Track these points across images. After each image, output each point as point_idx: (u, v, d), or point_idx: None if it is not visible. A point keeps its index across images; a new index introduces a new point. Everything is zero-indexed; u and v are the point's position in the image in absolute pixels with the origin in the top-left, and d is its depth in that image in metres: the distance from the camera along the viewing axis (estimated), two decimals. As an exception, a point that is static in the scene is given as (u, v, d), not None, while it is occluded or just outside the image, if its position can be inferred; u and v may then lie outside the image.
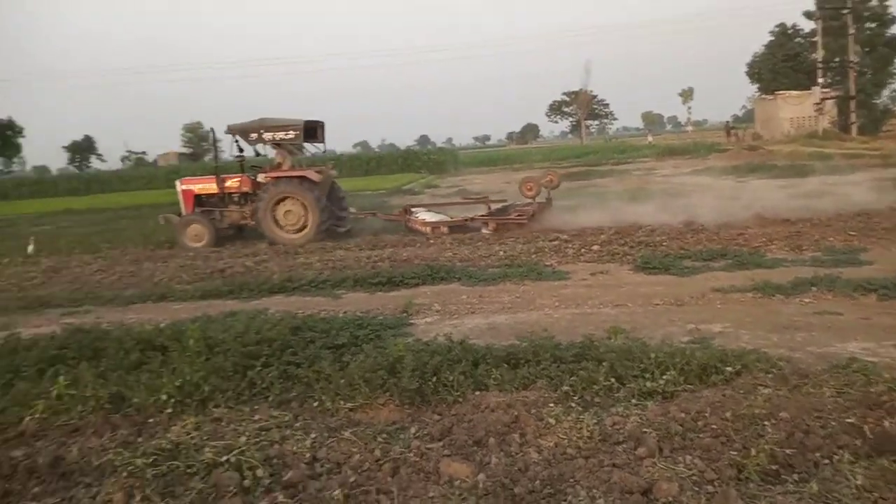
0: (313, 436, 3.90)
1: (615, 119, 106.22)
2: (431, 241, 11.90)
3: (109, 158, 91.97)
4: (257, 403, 4.55)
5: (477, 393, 4.42)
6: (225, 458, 3.60)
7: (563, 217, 13.30)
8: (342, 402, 4.41)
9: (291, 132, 13.77)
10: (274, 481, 3.45)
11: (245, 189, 13.99)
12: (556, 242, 10.61)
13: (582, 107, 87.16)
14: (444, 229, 13.04)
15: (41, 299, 9.18)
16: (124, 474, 3.49)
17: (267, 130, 13.86)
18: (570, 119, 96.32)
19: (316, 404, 4.46)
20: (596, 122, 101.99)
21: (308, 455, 3.69)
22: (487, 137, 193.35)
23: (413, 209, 14.49)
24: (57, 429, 4.48)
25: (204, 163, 70.18)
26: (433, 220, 13.65)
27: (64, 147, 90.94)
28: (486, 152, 77.84)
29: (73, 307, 8.70)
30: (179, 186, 14.60)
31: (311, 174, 13.51)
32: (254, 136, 14.01)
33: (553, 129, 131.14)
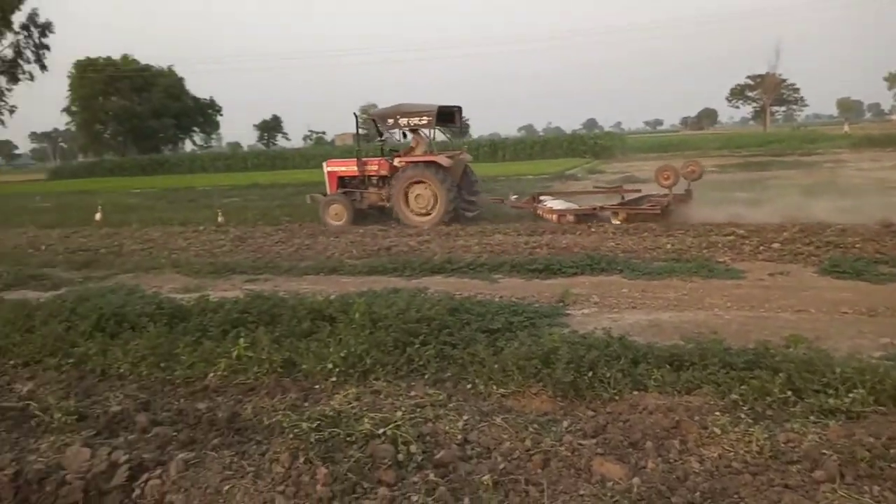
0: (465, 418, 3.95)
1: (805, 105, 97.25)
2: (593, 230, 11.58)
3: (293, 137, 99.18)
4: (414, 380, 4.69)
5: (635, 393, 4.24)
6: (382, 430, 3.74)
7: (729, 209, 12.40)
8: (495, 387, 4.42)
9: (425, 118, 13.97)
10: (426, 458, 3.54)
11: (383, 172, 14.45)
12: (730, 238, 9.92)
13: (768, 91, 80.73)
14: (570, 217, 12.72)
15: (228, 265, 10.08)
16: (290, 436, 3.73)
17: (402, 116, 14.18)
18: (754, 105, 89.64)
19: (469, 386, 4.52)
20: (783, 109, 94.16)
21: (460, 436, 3.75)
22: (659, 122, 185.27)
23: (542, 197, 14.22)
24: (235, 386, 4.92)
25: (375, 144, 73.83)
26: (560, 207, 13.30)
27: (255, 125, 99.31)
28: (657, 138, 74.60)
29: (255, 274, 9.47)
30: (325, 168, 15.39)
31: (441, 159, 13.66)
32: (390, 121, 14.42)
33: (733, 114, 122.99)
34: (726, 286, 7.42)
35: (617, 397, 4.23)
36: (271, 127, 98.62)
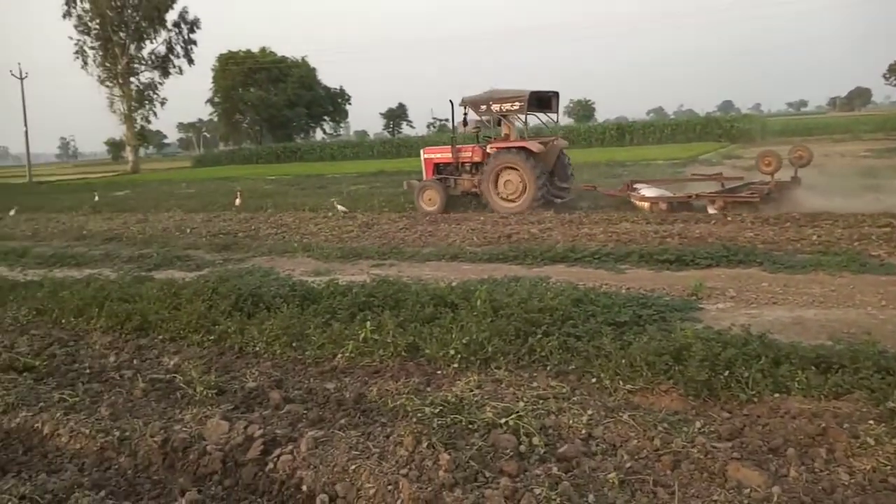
0: (590, 412, 3.83)
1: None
2: (713, 218, 10.87)
3: (417, 125, 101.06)
4: (535, 370, 4.62)
5: (776, 395, 3.94)
6: (504, 420, 3.71)
7: (857, 197, 11.53)
8: (621, 383, 4.27)
9: (517, 103, 13.75)
10: (548, 452, 3.47)
11: (476, 159, 14.44)
12: (886, 229, 9.03)
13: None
14: (663, 206, 12.26)
15: (355, 251, 10.41)
16: (414, 420, 3.79)
17: (495, 102, 14.01)
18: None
19: (594, 380, 4.38)
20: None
21: (584, 431, 3.64)
22: (804, 103, 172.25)
23: (637, 184, 13.65)
24: (361, 368, 5.06)
25: (497, 129, 73.92)
26: (652, 195, 12.77)
27: (381, 113, 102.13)
28: (802, 120, 69.38)
29: (380, 260, 9.72)
30: (423, 155, 15.67)
31: (532, 145, 13.44)
32: (483, 107, 14.28)
33: (891, 94, 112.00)
34: (881, 283, 6.75)
35: (755, 399, 3.95)
36: (397, 115, 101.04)
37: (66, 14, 55.18)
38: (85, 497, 3.27)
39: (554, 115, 15.39)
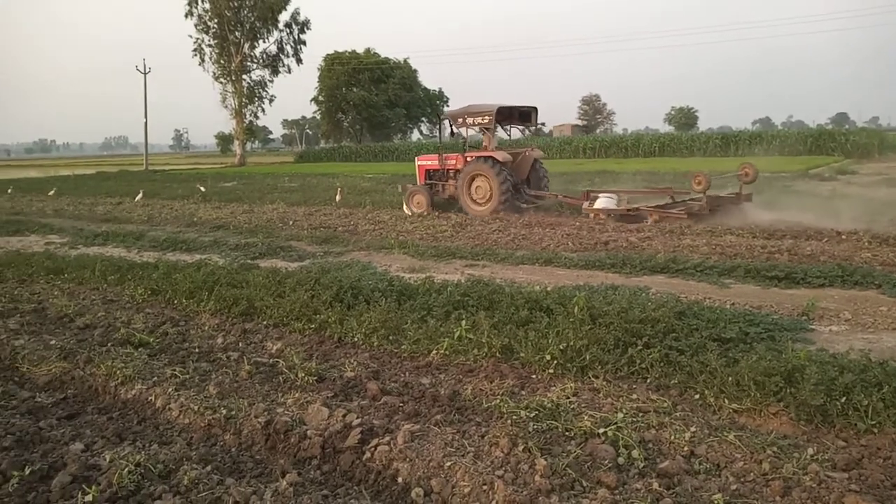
0: (693, 429, 3.68)
1: None
2: (843, 238, 10.29)
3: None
4: (635, 382, 4.50)
5: (901, 427, 3.66)
6: (602, 430, 3.63)
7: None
8: (726, 401, 4.08)
9: (486, 117, 15.11)
10: (648, 466, 3.36)
11: (458, 166, 15.62)
12: None
13: None
14: (603, 216, 13.18)
15: (449, 250, 10.49)
16: (509, 422, 3.76)
17: (469, 116, 15.46)
18: None
19: (697, 397, 4.22)
20: None
21: (686, 448, 3.51)
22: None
23: (593, 194, 14.60)
24: (455, 366, 5.07)
25: (595, 135, 72.90)
26: (600, 206, 13.64)
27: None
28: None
29: (473, 260, 9.74)
30: (417, 162, 17.15)
31: (498, 154, 14.74)
32: (459, 121, 15.69)
33: None
34: None
35: (876, 429, 3.68)
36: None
37: (188, 13, 58.51)
38: (193, 470, 3.44)
39: (532, 128, 17.13)
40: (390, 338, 5.63)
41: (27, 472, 3.49)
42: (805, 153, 40.96)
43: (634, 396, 4.18)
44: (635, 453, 3.44)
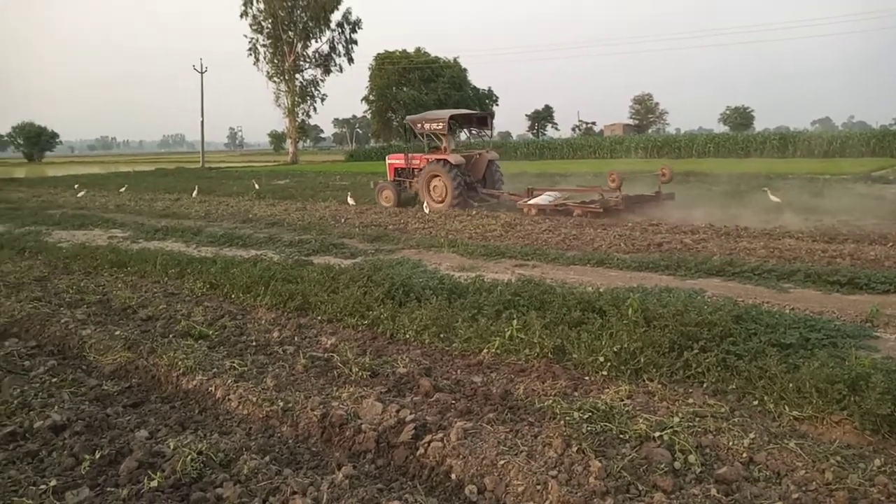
0: (752, 436, 3.61)
1: None
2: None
3: (562, 127, 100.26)
4: (691, 386, 4.43)
5: (975, 441, 3.52)
6: (658, 433, 3.59)
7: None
8: (787, 408, 3.98)
9: (440, 123, 16.69)
10: (705, 472, 3.31)
11: (422, 166, 16.90)
12: None
13: None
14: (534, 211, 14.61)
15: (499, 249, 10.48)
16: (562, 423, 3.75)
17: (426, 122, 17.16)
18: None
19: (755, 403, 4.13)
20: None
21: (745, 455, 3.44)
22: None
23: (535, 191, 16.16)
24: (507, 365, 5.07)
25: (646, 135, 71.69)
26: (532, 202, 15.01)
27: (526, 115, 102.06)
28: None
29: (523, 260, 9.70)
30: (387, 160, 18.73)
31: (451, 157, 16.20)
32: (419, 125, 17.31)
33: None
34: None
35: (947, 443, 3.55)
36: (543, 117, 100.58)
37: (244, 13, 59.85)
38: (252, 460, 3.53)
39: (487, 134, 19.52)
40: (441, 335, 5.67)
41: (97, 456, 3.65)
42: (868, 154, 39.49)
43: (690, 401, 4.12)
44: (692, 458, 3.39)
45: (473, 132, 19.16)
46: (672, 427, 3.65)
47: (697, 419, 3.82)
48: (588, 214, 13.88)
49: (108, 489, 3.34)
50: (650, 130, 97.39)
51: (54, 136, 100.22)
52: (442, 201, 16.23)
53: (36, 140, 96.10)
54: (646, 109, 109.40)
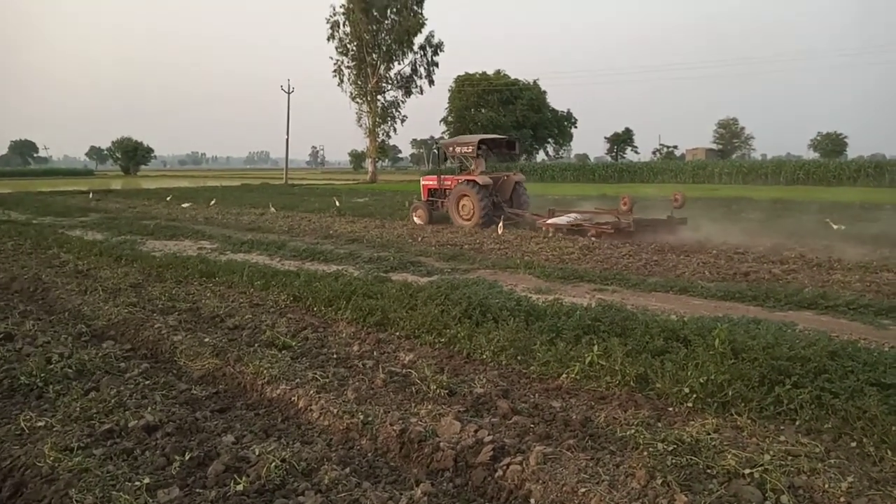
0: (850, 479, 3.40)
1: None
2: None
3: (642, 150, 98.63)
4: (782, 423, 4.23)
5: None
6: (747, 471, 3.44)
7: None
8: (889, 452, 3.74)
9: (470, 147, 17.98)
10: (799, 515, 3.15)
11: (453, 187, 18.06)
12: None
13: None
14: (552, 231, 15.41)
15: (576, 273, 10.35)
16: (645, 453, 3.65)
17: (457, 146, 18.48)
18: None
19: (854, 444, 3.90)
20: None
21: (842, 500, 3.25)
22: None
23: (557, 212, 17.08)
24: (586, 392, 4.99)
25: (731, 160, 69.45)
26: (550, 221, 15.99)
27: (605, 137, 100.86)
28: None
29: (602, 285, 9.54)
30: (421, 182, 20.09)
31: (479, 178, 17.38)
32: (450, 149, 18.74)
33: None
34: None
35: None
36: (622, 140, 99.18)
37: (330, 37, 61.82)
38: (333, 471, 3.60)
39: (515, 156, 21.99)
40: (518, 357, 5.63)
41: (187, 457, 3.80)
42: None
43: (782, 438, 3.93)
44: (784, 499, 3.23)
45: (504, 154, 20.29)
46: (762, 465, 3.49)
47: (790, 458, 3.64)
48: (602, 235, 14.60)
49: (197, 490, 3.47)
50: (734, 156, 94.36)
51: (149, 150, 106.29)
52: (469, 219, 17.32)
53: (132, 154, 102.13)
54: (730, 134, 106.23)
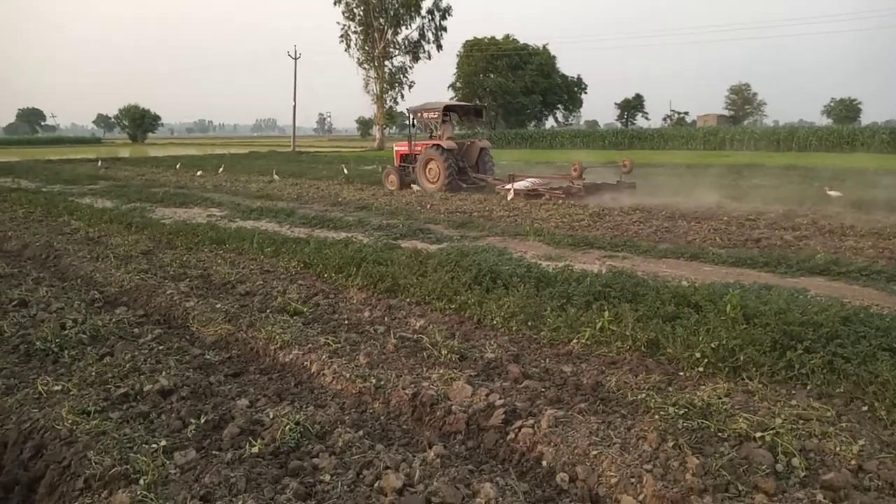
0: (861, 443, 3.41)
1: None
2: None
3: (653, 117, 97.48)
4: (794, 388, 4.23)
5: None
6: (758, 434, 3.45)
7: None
8: (900, 416, 3.74)
9: (435, 113, 18.88)
10: (810, 477, 3.16)
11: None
12: None
13: None
14: (511, 195, 16.02)
15: (586, 239, 10.31)
16: (657, 417, 3.67)
17: (424, 112, 19.34)
18: None
19: (865, 409, 3.90)
20: None
21: (853, 462, 3.26)
22: None
23: (516, 177, 17.66)
24: (597, 357, 4.99)
25: (743, 127, 68.57)
26: (508, 186, 16.67)
27: (616, 104, 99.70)
28: None
29: (613, 251, 9.51)
30: (394, 148, 21.10)
31: (444, 143, 18.20)
32: (419, 115, 19.70)
33: None
34: None
35: None
36: (632, 106, 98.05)
37: (337, 1, 61.01)
38: (346, 433, 3.63)
39: (483, 122, 22.92)
40: (529, 323, 5.64)
41: (202, 420, 3.85)
42: None
43: (793, 402, 3.93)
44: (795, 461, 3.24)
45: (472, 121, 21.62)
46: (774, 428, 3.50)
47: (801, 422, 3.65)
48: (554, 198, 15.74)
49: (213, 452, 3.51)
50: (746, 122, 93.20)
51: (156, 118, 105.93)
52: (435, 182, 18.17)
53: (140, 122, 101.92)
54: (743, 100, 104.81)
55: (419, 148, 19.15)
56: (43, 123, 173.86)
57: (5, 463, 3.68)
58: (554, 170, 23.55)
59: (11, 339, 5.47)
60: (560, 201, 15.36)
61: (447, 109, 19.39)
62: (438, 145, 18.22)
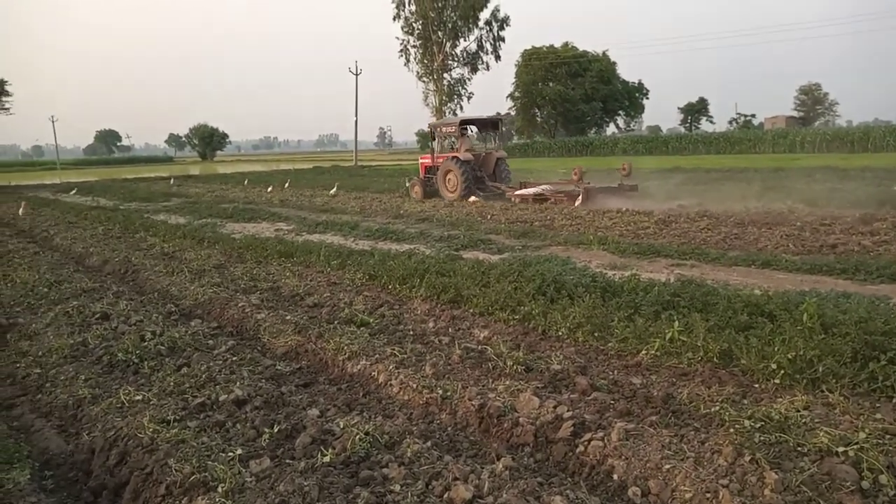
0: (955, 460, 3.23)
1: None
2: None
3: (718, 120, 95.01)
4: (878, 401, 4.03)
5: None
6: (841, 449, 3.30)
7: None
8: None
9: (452, 128, 20.54)
10: (899, 494, 3.01)
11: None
12: None
13: None
14: (518, 200, 17.58)
15: (653, 248, 10.11)
16: (732, 430, 3.56)
17: (443, 126, 21.24)
18: None
19: (958, 423, 3.68)
20: None
21: (947, 481, 3.08)
22: None
23: (527, 184, 19.07)
24: (667, 368, 4.89)
25: (814, 128, 65.93)
26: (517, 192, 17.98)
27: (679, 108, 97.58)
28: None
29: (681, 259, 9.29)
30: (419, 160, 22.49)
31: (462, 154, 19.55)
32: (438, 130, 21.51)
33: None
34: None
35: None
36: (696, 110, 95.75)
37: (396, 16, 61.94)
38: (415, 444, 3.67)
39: (497, 135, 22.51)
40: (595, 334, 5.57)
41: (275, 430, 3.95)
42: None
43: (878, 416, 3.75)
44: (883, 479, 3.09)
45: (489, 134, 22.50)
46: (858, 443, 3.35)
47: (887, 436, 3.47)
48: (558, 202, 16.76)
49: (287, 461, 3.60)
50: (817, 123, 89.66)
51: (224, 136, 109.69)
52: (454, 192, 19.30)
53: (209, 140, 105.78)
54: (813, 100, 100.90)
55: (441, 160, 20.31)
56: (119, 144, 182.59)
57: (93, 468, 3.87)
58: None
59: (95, 350, 5.76)
60: (561, 203, 16.59)
61: (464, 123, 20.81)
62: (456, 157, 19.57)
